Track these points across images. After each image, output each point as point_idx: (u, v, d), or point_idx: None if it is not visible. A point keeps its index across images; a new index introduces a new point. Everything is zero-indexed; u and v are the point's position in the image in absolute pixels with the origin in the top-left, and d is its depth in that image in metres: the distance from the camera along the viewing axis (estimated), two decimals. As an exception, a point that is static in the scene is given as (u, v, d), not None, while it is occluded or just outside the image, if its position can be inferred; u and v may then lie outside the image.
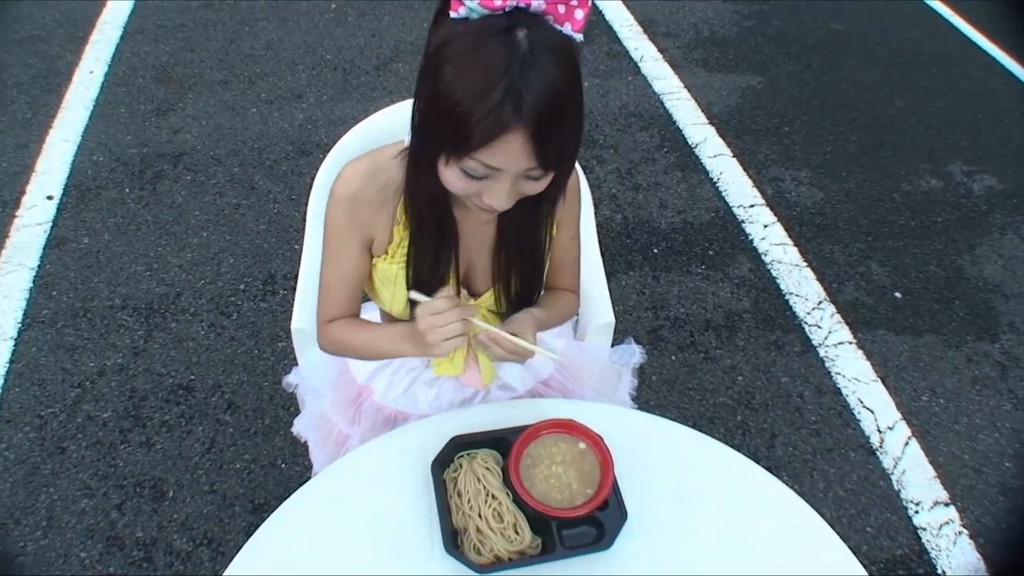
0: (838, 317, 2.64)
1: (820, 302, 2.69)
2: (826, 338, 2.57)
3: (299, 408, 1.59)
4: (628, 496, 1.15)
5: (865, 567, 1.13)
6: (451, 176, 1.01)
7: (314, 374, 1.53)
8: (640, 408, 1.27)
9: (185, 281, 2.63)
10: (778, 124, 3.51)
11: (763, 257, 2.85)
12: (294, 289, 1.58)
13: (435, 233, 1.18)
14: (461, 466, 1.18)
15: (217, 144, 3.21)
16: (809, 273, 2.80)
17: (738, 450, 1.28)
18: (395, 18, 4.07)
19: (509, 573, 1.08)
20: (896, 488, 2.17)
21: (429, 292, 1.19)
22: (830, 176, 3.24)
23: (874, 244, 2.95)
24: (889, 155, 3.37)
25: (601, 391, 1.55)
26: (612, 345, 1.68)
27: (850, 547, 1.15)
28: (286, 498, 1.18)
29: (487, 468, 1.16)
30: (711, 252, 2.87)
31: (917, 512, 2.12)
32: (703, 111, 3.54)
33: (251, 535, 1.13)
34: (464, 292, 1.30)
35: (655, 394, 2.38)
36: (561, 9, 0.93)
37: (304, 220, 1.57)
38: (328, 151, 1.53)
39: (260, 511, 2.04)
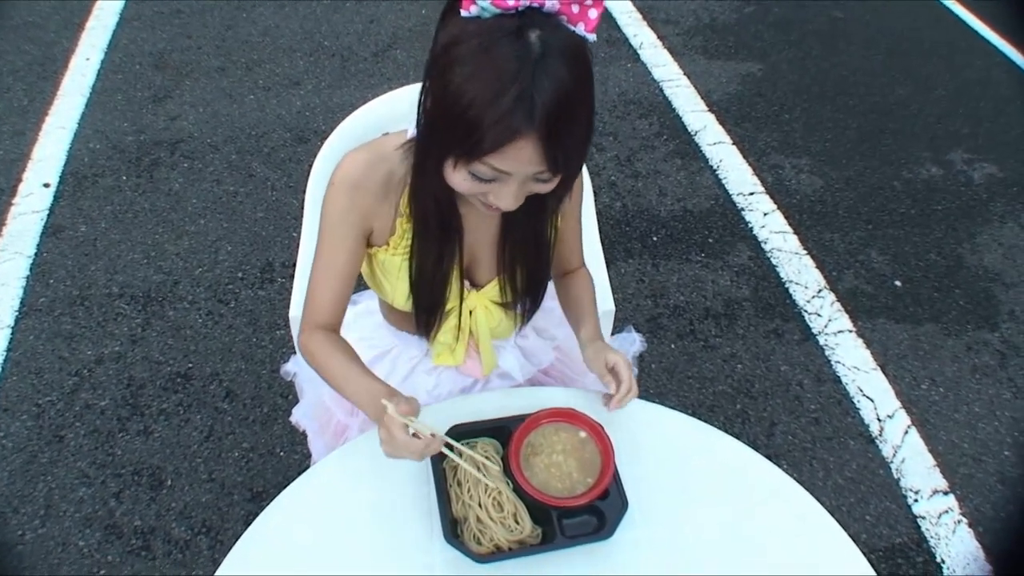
0: (838, 305, 2.63)
1: (820, 290, 2.68)
2: (826, 326, 2.56)
3: (297, 397, 1.58)
4: (627, 485, 1.14)
5: (864, 555, 1.13)
6: (458, 178, 0.99)
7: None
8: (640, 397, 1.26)
9: (182, 269, 2.62)
10: (778, 111, 3.49)
11: (763, 245, 2.84)
12: (292, 277, 1.58)
13: (439, 231, 1.17)
14: (460, 455, 1.17)
15: (214, 131, 3.19)
16: (809, 261, 2.79)
17: (738, 438, 1.27)
18: (393, 4, 4.04)
19: (509, 563, 1.08)
20: (895, 476, 2.17)
21: (431, 287, 1.19)
22: (830, 164, 3.23)
23: (874, 232, 2.94)
24: (889, 143, 3.36)
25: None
26: (612, 334, 1.68)
27: (849, 535, 1.15)
28: (285, 486, 1.18)
29: (487, 457, 1.16)
30: (711, 240, 2.86)
31: (916, 501, 2.12)
32: (703, 98, 3.52)
33: (250, 524, 1.13)
34: (467, 284, 1.29)
35: (654, 382, 2.38)
36: (575, 9, 0.91)
37: (302, 207, 1.56)
38: (326, 138, 1.52)
39: (259, 499, 2.04)
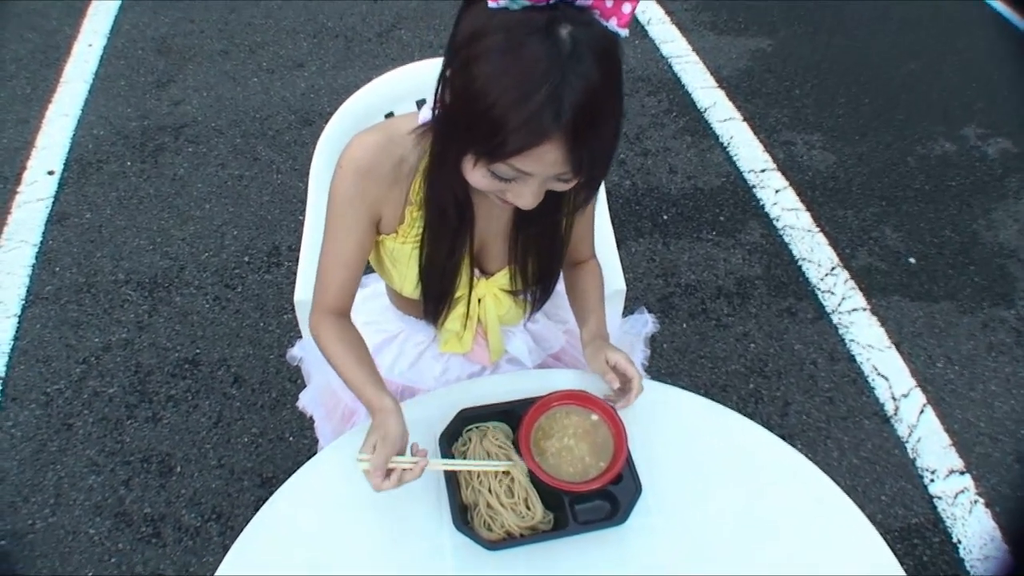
0: (852, 283, 2.60)
1: (833, 268, 2.65)
2: (839, 304, 2.53)
3: (305, 381, 1.57)
4: (640, 468, 1.12)
5: (880, 536, 1.11)
6: (477, 175, 0.95)
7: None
8: (651, 377, 1.24)
9: (189, 254, 2.61)
10: (789, 87, 3.44)
11: (775, 223, 2.80)
12: (298, 260, 1.56)
13: (453, 224, 1.14)
14: (470, 440, 1.15)
15: (218, 115, 3.17)
16: (822, 238, 2.75)
17: (751, 418, 1.25)
18: (397, -16, 3.99)
19: (520, 549, 1.06)
20: (911, 456, 2.14)
21: (441, 277, 1.19)
22: (842, 140, 3.18)
23: (888, 209, 2.90)
24: (902, 118, 3.31)
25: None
26: (623, 315, 1.65)
27: (865, 516, 1.13)
28: (295, 471, 1.16)
29: (499, 446, 1.13)
30: (722, 218, 2.82)
31: (932, 480, 2.10)
32: (712, 74, 3.47)
33: (260, 509, 1.12)
34: (476, 272, 1.26)
35: (666, 362, 2.36)
36: (608, 3, 0.86)
37: (307, 190, 1.54)
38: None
39: (269, 485, 2.03)
